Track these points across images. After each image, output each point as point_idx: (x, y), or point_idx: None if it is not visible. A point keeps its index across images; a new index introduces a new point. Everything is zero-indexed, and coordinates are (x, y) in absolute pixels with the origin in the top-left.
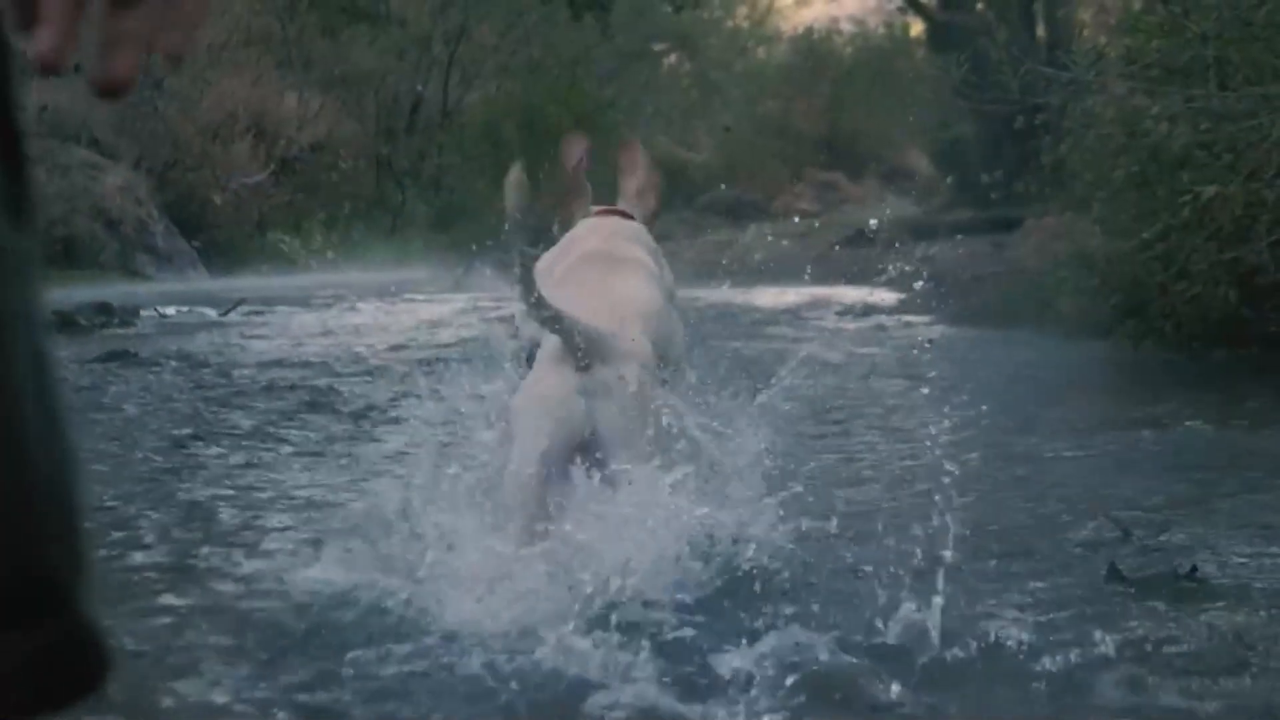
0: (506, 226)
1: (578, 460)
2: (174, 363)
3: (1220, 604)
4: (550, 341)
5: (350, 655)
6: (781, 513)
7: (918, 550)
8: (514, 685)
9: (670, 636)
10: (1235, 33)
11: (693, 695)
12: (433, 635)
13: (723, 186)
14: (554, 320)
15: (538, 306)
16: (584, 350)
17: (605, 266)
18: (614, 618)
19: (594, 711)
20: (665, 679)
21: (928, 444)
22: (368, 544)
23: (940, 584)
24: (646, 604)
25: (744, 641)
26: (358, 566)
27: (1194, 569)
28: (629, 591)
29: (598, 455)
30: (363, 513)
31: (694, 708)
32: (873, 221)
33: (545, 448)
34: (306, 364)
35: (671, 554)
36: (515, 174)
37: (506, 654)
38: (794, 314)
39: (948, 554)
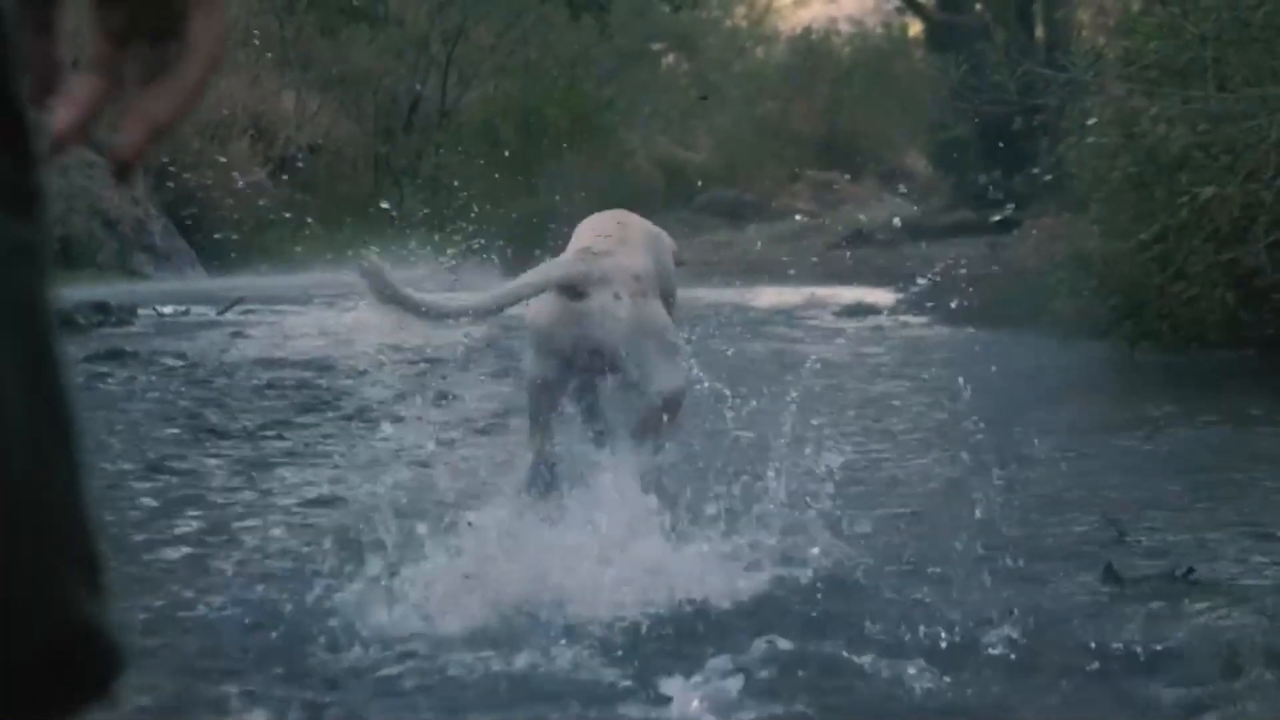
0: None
1: (596, 379)
2: (171, 362)
3: (1217, 604)
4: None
5: (320, 659)
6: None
7: (917, 551)
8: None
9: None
10: (1233, 34)
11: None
12: (411, 642)
13: (700, 177)
14: (522, 292)
15: (497, 303)
16: (569, 285)
17: (614, 212)
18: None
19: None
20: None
21: (924, 445)
22: (352, 545)
23: (942, 585)
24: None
25: (759, 645)
26: (342, 568)
27: (1190, 570)
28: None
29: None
30: (351, 513)
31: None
32: (896, 220)
33: (538, 373)
34: (304, 363)
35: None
36: (369, 264)
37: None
38: (792, 314)
39: (947, 554)
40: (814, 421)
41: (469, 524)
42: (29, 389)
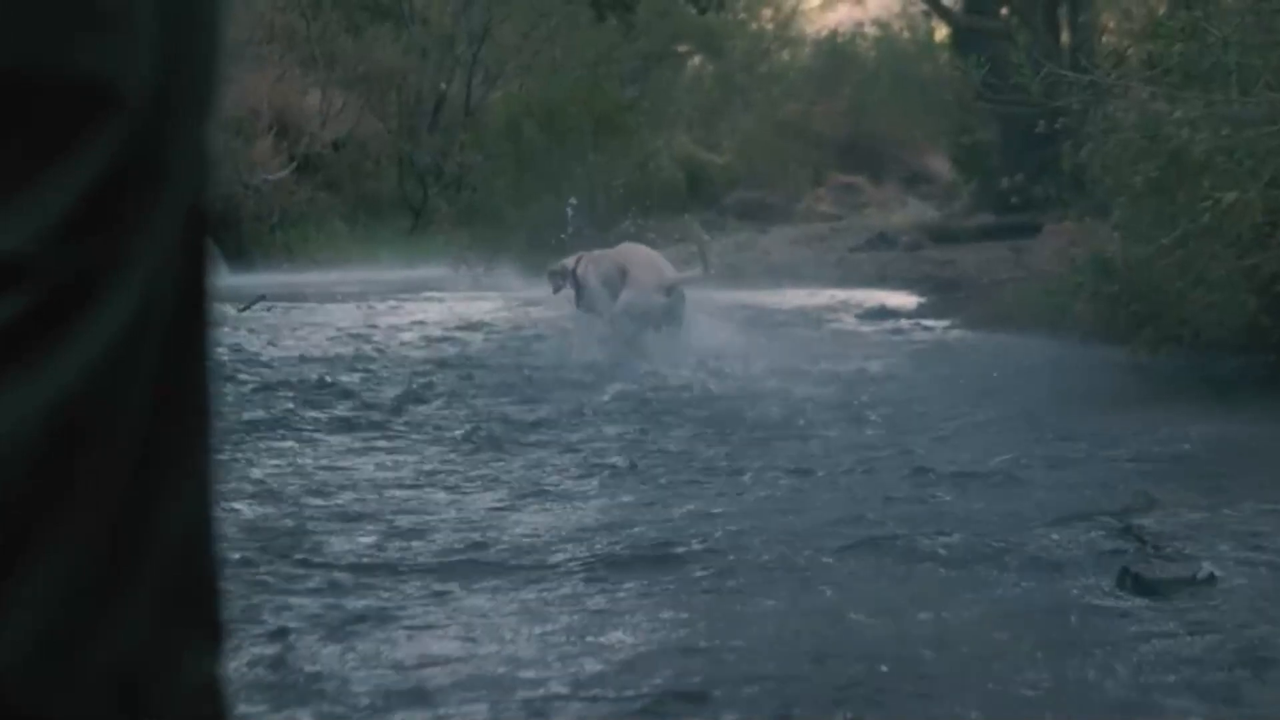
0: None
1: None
2: None
3: (1236, 609)
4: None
5: None
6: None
7: (927, 551)
8: None
9: None
10: (1257, 38)
11: None
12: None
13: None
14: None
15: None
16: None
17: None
18: None
19: None
20: None
21: (942, 447)
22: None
23: (958, 586)
24: None
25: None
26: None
27: (1211, 574)
28: None
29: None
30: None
31: None
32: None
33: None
34: (326, 360)
35: None
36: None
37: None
38: (814, 315)
39: (963, 555)
40: (831, 432)
41: None
42: None
